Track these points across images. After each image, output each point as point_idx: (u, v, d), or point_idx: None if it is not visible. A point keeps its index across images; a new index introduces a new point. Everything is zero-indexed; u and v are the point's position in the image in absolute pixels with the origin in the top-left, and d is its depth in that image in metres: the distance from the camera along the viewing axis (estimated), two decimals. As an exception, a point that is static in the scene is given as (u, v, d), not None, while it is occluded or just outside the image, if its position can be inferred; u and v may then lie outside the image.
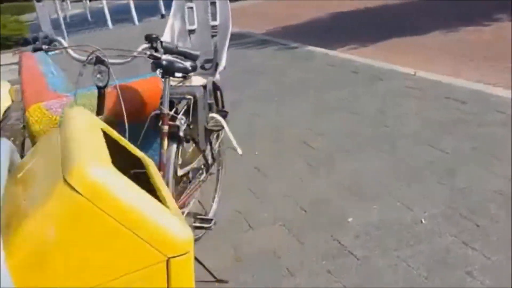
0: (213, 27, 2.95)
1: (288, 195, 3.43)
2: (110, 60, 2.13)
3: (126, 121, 2.16)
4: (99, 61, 2.11)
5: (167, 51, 2.32)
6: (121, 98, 2.91)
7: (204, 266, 2.70)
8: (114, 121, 2.96)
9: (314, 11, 11.74)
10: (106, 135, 1.83)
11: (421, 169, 3.45)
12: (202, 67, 2.94)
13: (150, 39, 2.25)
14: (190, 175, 2.99)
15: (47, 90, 3.14)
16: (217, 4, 2.95)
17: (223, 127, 2.82)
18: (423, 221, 2.85)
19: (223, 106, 2.92)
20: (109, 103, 2.98)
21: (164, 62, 2.32)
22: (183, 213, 2.94)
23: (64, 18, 20.34)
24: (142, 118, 2.82)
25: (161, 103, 2.62)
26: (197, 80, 2.88)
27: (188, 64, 2.48)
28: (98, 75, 2.13)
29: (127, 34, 13.75)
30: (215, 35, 2.96)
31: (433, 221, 2.84)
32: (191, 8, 3.00)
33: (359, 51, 7.46)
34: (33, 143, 2.94)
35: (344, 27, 9.68)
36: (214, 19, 2.95)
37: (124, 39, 12.79)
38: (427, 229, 2.78)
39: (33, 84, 3.24)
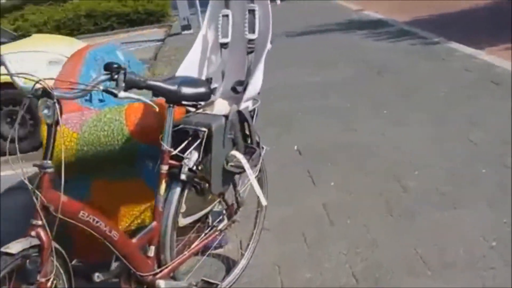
0: (250, 41, 2.48)
1: (345, 252, 2.86)
2: (57, 93, 1.78)
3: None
4: (45, 93, 1.78)
5: (132, 84, 1.92)
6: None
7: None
8: (138, 145, 2.67)
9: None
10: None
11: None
12: (234, 90, 2.50)
13: (110, 69, 1.87)
14: (210, 219, 2.58)
15: (74, 103, 2.88)
16: (257, 11, 2.46)
17: (244, 170, 2.35)
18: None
19: (251, 142, 2.44)
20: (131, 123, 2.68)
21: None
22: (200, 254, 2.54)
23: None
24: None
25: (162, 137, 2.24)
26: (221, 107, 2.44)
27: (155, 102, 2.06)
28: (45, 110, 1.80)
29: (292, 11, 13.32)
30: (251, 52, 2.48)
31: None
32: (226, 16, 2.54)
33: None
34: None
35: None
36: (252, 31, 2.47)
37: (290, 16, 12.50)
38: None
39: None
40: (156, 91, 2.07)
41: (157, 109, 2.01)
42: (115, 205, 2.82)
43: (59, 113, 1.80)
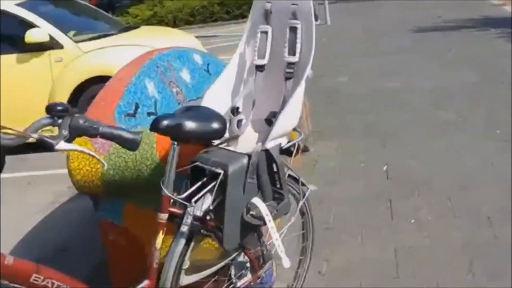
0: (290, 64, 2.02)
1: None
2: None
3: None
4: None
5: (80, 132, 1.53)
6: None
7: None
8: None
9: None
10: None
11: None
12: (268, 122, 2.06)
13: (52, 112, 1.51)
14: (232, 272, 2.17)
15: (110, 117, 2.59)
16: (299, 30, 1.99)
17: (264, 223, 1.91)
18: None
19: (281, 187, 1.99)
20: (162, 147, 2.34)
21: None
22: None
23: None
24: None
25: (163, 180, 1.87)
26: (247, 143, 2.02)
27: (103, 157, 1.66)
28: None
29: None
30: (290, 78, 2.02)
31: None
32: (265, 33, 2.09)
33: None
34: (73, 182, 2.47)
35: None
36: (293, 53, 2.01)
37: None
38: None
39: (100, 104, 2.71)
40: (113, 140, 1.68)
41: (105, 165, 1.63)
42: (149, 234, 2.55)
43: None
